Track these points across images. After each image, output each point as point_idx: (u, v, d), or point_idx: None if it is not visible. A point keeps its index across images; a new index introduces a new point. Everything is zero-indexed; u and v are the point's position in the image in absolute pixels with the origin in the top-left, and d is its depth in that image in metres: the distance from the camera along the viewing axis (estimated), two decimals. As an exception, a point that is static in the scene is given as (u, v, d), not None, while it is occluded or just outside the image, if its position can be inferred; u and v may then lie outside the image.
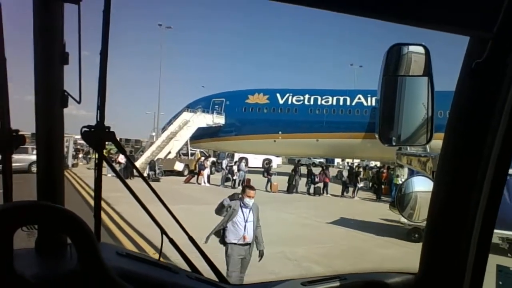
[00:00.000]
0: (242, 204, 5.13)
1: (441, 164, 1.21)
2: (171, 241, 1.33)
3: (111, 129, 1.20)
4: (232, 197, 5.21)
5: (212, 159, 30.38)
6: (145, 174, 22.70)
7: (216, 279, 1.27)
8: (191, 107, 30.71)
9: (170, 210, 1.34)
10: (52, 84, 1.21)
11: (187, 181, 22.56)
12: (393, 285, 1.29)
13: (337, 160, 41.44)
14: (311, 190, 20.74)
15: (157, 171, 23.33)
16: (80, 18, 1.23)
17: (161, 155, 26.25)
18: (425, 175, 1.54)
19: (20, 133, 1.19)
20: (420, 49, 1.36)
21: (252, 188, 5.32)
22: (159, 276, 1.11)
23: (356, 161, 35.33)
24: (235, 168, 22.51)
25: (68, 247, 1.08)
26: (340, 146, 28.09)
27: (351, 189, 21.04)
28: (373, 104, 27.53)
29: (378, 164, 35.08)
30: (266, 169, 22.80)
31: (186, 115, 29.10)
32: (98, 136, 1.19)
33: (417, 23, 0.94)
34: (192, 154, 29.20)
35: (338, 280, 1.31)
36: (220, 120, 30.36)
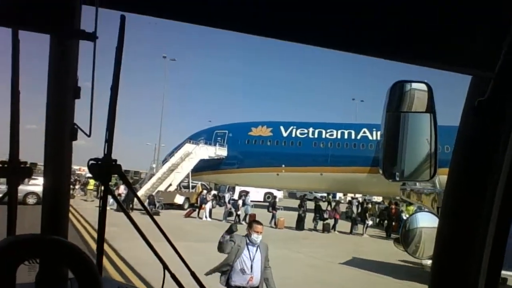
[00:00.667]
0: (248, 241, 4.79)
1: (446, 200, 1.22)
2: (173, 277, 1.32)
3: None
4: (229, 230, 4.86)
5: (213, 192, 30.20)
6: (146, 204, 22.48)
7: None
8: (193, 138, 30.96)
9: (172, 243, 1.34)
10: (63, 117, 1.25)
11: (187, 215, 22.19)
12: None
13: (339, 195, 40.98)
14: (319, 227, 20.24)
15: (157, 204, 23.07)
16: (95, 54, 1.30)
17: (162, 187, 26.13)
18: (429, 211, 1.55)
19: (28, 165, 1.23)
20: (423, 86, 1.41)
21: (259, 223, 4.99)
22: None
23: (358, 195, 35.06)
24: (240, 202, 22.10)
25: (69, 282, 1.08)
26: (344, 181, 27.94)
27: (359, 226, 20.59)
28: (378, 138, 27.69)
29: (381, 198, 34.77)
30: (272, 204, 22.31)
31: (188, 147, 29.27)
32: (104, 168, 1.22)
33: (420, 62, 1.00)
34: (193, 187, 29.04)
35: None
36: (222, 152, 30.47)
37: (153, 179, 27.01)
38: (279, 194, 38.39)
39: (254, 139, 30.73)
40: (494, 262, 1.10)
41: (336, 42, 0.99)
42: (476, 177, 1.10)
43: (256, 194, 34.69)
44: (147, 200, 23.19)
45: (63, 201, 1.27)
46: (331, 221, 20.42)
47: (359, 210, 23.20)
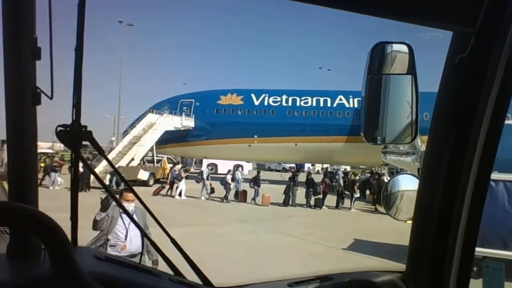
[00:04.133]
0: (121, 211, 4.79)
1: (426, 161, 1.33)
2: (152, 243, 1.38)
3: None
4: (104, 207, 4.84)
5: (179, 166, 30.11)
6: (106, 182, 21.99)
7: (200, 282, 1.33)
8: (157, 108, 30.28)
9: (149, 209, 1.40)
10: (24, 81, 1.24)
11: (156, 193, 21.37)
12: (380, 283, 1.40)
13: (307, 165, 42.06)
14: (311, 202, 19.93)
15: (120, 183, 22.61)
16: (50, 9, 1.27)
17: (123, 162, 25.60)
18: (410, 173, 1.68)
19: None
20: (404, 48, 1.49)
21: (128, 191, 4.89)
22: (140, 280, 1.15)
23: (325, 165, 36.03)
24: (228, 178, 21.00)
25: (42, 252, 1.12)
26: (321, 151, 28.56)
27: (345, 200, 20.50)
28: (356, 105, 28.28)
29: (349, 168, 36.01)
30: (254, 178, 21.29)
31: (151, 117, 28.62)
32: (74, 135, 1.23)
33: (400, 17, 1.05)
34: (158, 161, 28.74)
35: (325, 280, 1.40)
36: (189, 123, 30.15)
37: (113, 154, 26.37)
38: (248, 166, 38.88)
39: (223, 108, 30.52)
40: (471, 223, 1.22)
41: None
42: (456, 135, 1.20)
43: (224, 167, 34.98)
44: (111, 177, 22.70)
45: (30, 169, 1.28)
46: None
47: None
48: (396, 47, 1.50)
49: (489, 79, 1.09)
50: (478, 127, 1.14)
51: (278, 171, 24.78)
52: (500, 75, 1.07)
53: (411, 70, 1.47)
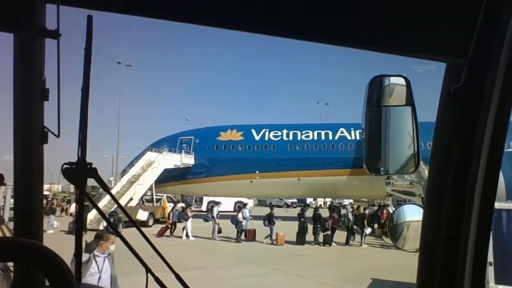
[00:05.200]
0: (96, 254, 4.89)
1: (429, 190, 1.37)
2: (157, 280, 1.39)
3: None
4: (90, 248, 4.91)
5: (180, 204, 29.83)
6: (101, 227, 21.66)
7: None
8: (156, 146, 30.49)
9: (154, 245, 1.42)
10: (32, 121, 1.31)
11: (160, 235, 20.58)
12: None
13: (309, 200, 41.66)
14: (320, 239, 19.46)
15: (119, 225, 22.01)
16: (59, 52, 1.36)
17: (121, 202, 25.37)
18: (415, 203, 1.71)
19: None
20: (401, 80, 1.57)
21: (112, 232, 5.15)
22: None
23: (327, 199, 35.63)
24: (239, 216, 20.34)
25: None
26: (324, 185, 28.44)
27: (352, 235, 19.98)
28: (358, 138, 28.46)
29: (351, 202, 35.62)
30: (268, 216, 20.55)
31: (150, 155, 28.74)
32: (80, 172, 1.28)
33: (395, 51, 1.12)
34: (158, 200, 28.53)
35: None
36: (189, 160, 30.21)
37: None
38: (250, 203, 38.64)
39: (223, 144, 30.71)
40: (479, 252, 1.24)
41: (307, 32, 1.09)
42: (456, 167, 1.24)
43: (225, 204, 34.66)
44: (110, 218, 22.29)
45: (36, 205, 1.32)
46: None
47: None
48: (393, 79, 1.58)
49: (485, 107, 1.14)
50: (477, 155, 1.18)
51: (280, 206, 24.32)
52: (495, 103, 1.11)
53: (410, 101, 1.54)
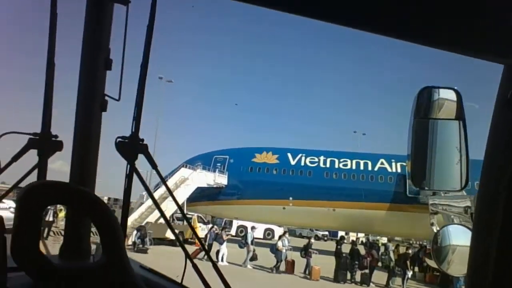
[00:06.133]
0: None
1: (478, 209, 1.30)
2: (194, 267, 1.42)
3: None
4: None
5: (210, 225, 29.85)
6: (129, 242, 21.96)
7: None
8: (190, 163, 30.95)
9: (190, 221, 1.46)
10: (95, 88, 1.43)
11: (194, 256, 20.22)
12: None
13: (341, 233, 40.31)
14: (357, 277, 18.48)
15: (146, 240, 21.74)
16: (127, 19, 1.47)
17: (151, 218, 25.71)
18: (461, 224, 1.63)
19: None
20: (451, 93, 1.54)
21: None
22: None
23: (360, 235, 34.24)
24: (280, 244, 19.55)
25: (92, 257, 1.19)
26: (360, 218, 27.56)
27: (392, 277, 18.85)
28: (399, 170, 27.61)
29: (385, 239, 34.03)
30: (305, 247, 19.81)
31: (184, 172, 29.14)
32: (132, 147, 1.36)
33: (447, 47, 1.09)
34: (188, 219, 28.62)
35: None
36: (222, 180, 30.38)
37: (142, 208, 26.68)
38: (279, 231, 38.07)
39: (258, 166, 30.71)
40: None
41: (354, 19, 1.04)
42: (511, 179, 1.17)
43: (255, 230, 34.41)
44: (137, 233, 22.55)
45: (91, 167, 1.41)
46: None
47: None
48: (443, 91, 1.56)
49: None
50: None
51: (309, 238, 23.47)
52: None
53: (460, 115, 1.51)
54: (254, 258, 19.75)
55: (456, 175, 1.46)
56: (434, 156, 1.50)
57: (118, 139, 1.36)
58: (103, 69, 1.43)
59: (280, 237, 21.12)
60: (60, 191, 0.97)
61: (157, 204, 1.81)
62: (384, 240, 36.31)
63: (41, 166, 1.44)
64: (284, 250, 19.35)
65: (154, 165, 1.52)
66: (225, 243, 20.36)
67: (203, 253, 19.70)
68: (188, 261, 1.47)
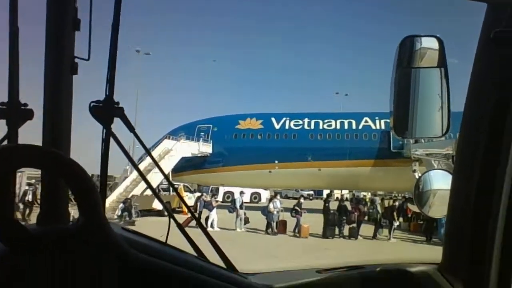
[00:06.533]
0: None
1: (459, 150, 1.35)
2: (179, 226, 1.45)
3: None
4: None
5: (198, 194, 30.09)
6: (115, 216, 22.05)
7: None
8: (173, 134, 30.77)
9: (177, 190, 1.47)
10: (63, 50, 1.36)
11: (185, 225, 20.70)
12: (415, 274, 1.41)
13: (326, 192, 41.22)
14: (345, 232, 19.13)
15: (132, 212, 21.86)
16: None
17: (137, 191, 25.76)
18: (442, 169, 1.70)
19: None
20: (433, 41, 1.56)
21: None
22: (169, 252, 1.21)
23: (344, 191, 35.25)
24: (271, 206, 19.87)
25: (71, 223, 1.19)
26: (346, 176, 28.16)
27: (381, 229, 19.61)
28: (383, 127, 28.03)
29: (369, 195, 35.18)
30: (295, 206, 20.22)
31: (167, 143, 29.06)
32: (107, 111, 1.33)
33: None
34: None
35: (355, 269, 1.43)
36: (207, 148, 30.40)
37: (127, 181, 26.67)
38: (266, 194, 38.62)
39: (242, 133, 30.72)
40: (511, 220, 1.22)
41: None
42: (492, 119, 1.20)
43: (243, 195, 34.78)
44: (122, 206, 22.69)
45: (64, 133, 1.38)
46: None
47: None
48: (425, 40, 1.57)
49: None
50: None
51: (295, 198, 24.03)
52: None
53: (442, 63, 1.53)
54: (246, 221, 20.13)
55: (437, 122, 1.50)
56: (417, 104, 1.53)
57: (92, 104, 1.34)
58: (71, 30, 1.36)
59: (271, 199, 21.47)
60: (31, 153, 0.93)
61: (139, 171, 1.78)
62: (369, 195, 37.46)
63: (11, 136, 1.41)
64: (275, 212, 19.72)
65: (131, 129, 1.49)
66: (214, 210, 20.60)
67: (193, 222, 20.20)
68: (173, 223, 1.47)
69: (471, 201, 1.30)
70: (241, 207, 20.55)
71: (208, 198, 22.49)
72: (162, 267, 1.08)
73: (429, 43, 1.56)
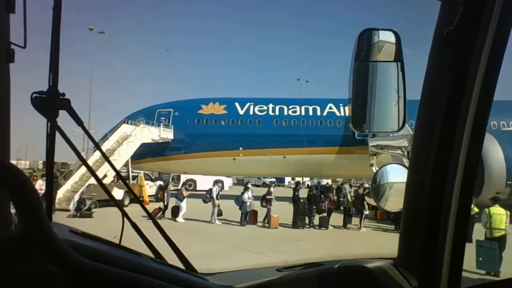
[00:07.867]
0: None
1: (414, 146, 1.42)
2: (133, 225, 1.41)
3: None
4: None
5: (159, 182, 29.67)
6: (71, 207, 21.26)
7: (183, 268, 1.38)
8: (131, 118, 29.96)
9: (134, 192, 1.43)
10: None
11: (154, 216, 19.43)
12: (372, 269, 1.47)
13: (288, 179, 41.77)
14: (315, 221, 18.97)
15: (87, 202, 21.08)
16: None
17: (93, 180, 25.04)
18: (399, 163, 1.78)
19: None
20: (391, 35, 1.61)
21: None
22: (121, 255, 1.16)
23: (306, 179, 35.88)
24: (245, 196, 19.27)
25: (13, 226, 1.13)
26: (311, 163, 28.68)
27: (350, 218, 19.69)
28: (347, 114, 28.62)
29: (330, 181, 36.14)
30: (265, 195, 19.73)
31: (126, 128, 28.10)
32: (51, 102, 1.25)
33: None
34: (134, 178, 28.23)
35: (314, 266, 1.47)
36: (168, 134, 29.86)
37: (83, 170, 25.74)
38: (228, 182, 38.65)
39: (205, 118, 30.42)
40: (463, 205, 1.29)
41: None
42: (446, 112, 1.25)
43: (204, 183, 34.60)
44: (78, 197, 21.96)
45: (3, 128, 1.29)
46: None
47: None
48: (383, 34, 1.62)
49: (478, 50, 1.15)
50: (467, 103, 1.19)
51: (258, 186, 23.84)
52: (489, 46, 1.13)
53: (398, 57, 1.59)
54: (219, 213, 19.61)
55: (394, 116, 1.56)
56: (374, 98, 1.58)
57: (34, 95, 1.24)
58: (4, 12, 1.25)
59: (245, 189, 20.80)
60: None
61: (87, 166, 1.69)
62: (330, 182, 38.39)
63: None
64: (249, 203, 19.43)
65: (79, 122, 1.41)
66: (185, 200, 20.01)
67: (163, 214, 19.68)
68: (126, 220, 1.43)
69: (425, 196, 1.36)
70: (217, 198, 19.84)
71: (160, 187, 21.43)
72: (113, 274, 1.02)
73: (386, 37, 1.61)
